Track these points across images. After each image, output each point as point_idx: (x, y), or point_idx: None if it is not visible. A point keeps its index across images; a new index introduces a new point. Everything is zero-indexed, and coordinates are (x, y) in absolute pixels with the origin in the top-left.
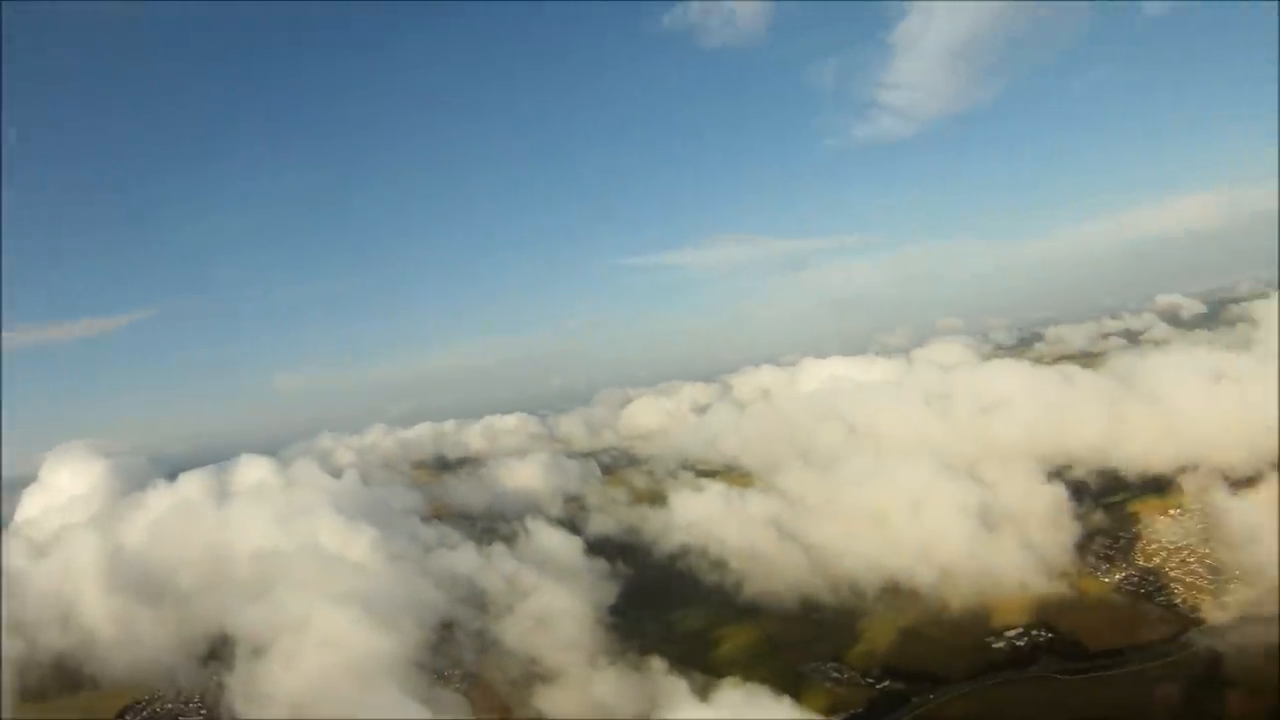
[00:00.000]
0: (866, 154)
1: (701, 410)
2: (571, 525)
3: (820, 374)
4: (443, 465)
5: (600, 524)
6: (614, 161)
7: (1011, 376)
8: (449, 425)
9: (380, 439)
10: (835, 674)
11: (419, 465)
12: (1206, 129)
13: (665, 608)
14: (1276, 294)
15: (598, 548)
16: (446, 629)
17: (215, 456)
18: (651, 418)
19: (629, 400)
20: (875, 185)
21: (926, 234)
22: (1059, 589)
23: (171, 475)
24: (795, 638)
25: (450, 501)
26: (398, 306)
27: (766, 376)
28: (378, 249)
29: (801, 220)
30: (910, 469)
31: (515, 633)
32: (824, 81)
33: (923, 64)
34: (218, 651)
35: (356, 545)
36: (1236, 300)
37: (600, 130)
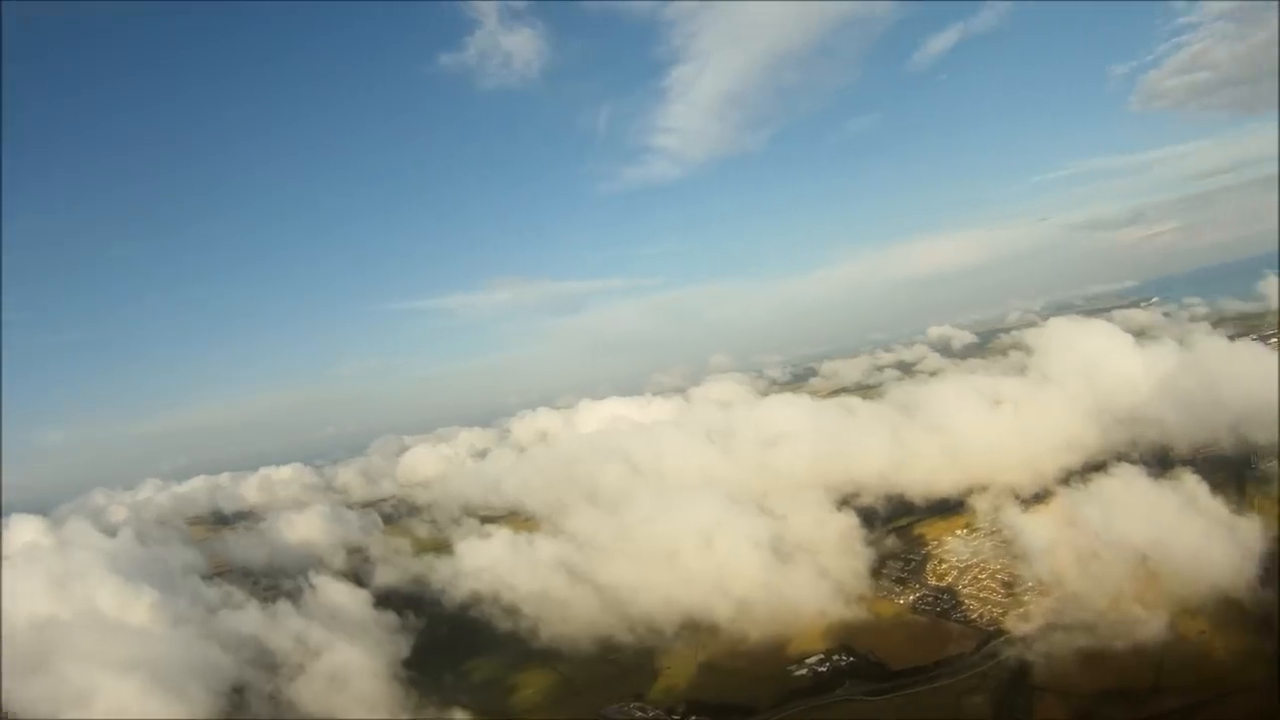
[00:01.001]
0: (639, 197)
1: (480, 455)
2: (356, 578)
3: (598, 415)
4: (220, 520)
5: (386, 575)
6: (387, 205)
7: (792, 410)
8: (224, 478)
9: (154, 495)
10: (639, 713)
11: (195, 521)
12: (967, 172)
13: (461, 658)
14: (1046, 322)
15: (386, 600)
16: (238, 693)
17: None
18: (430, 465)
19: (406, 448)
20: (647, 228)
21: (698, 275)
22: (856, 613)
23: None
24: (596, 679)
25: (230, 558)
26: (164, 356)
27: (544, 419)
28: (140, 296)
29: (575, 263)
30: (698, 505)
31: (310, 693)
32: (597, 125)
33: (695, 109)
34: None
35: (137, 609)
36: (1005, 330)
37: (372, 172)
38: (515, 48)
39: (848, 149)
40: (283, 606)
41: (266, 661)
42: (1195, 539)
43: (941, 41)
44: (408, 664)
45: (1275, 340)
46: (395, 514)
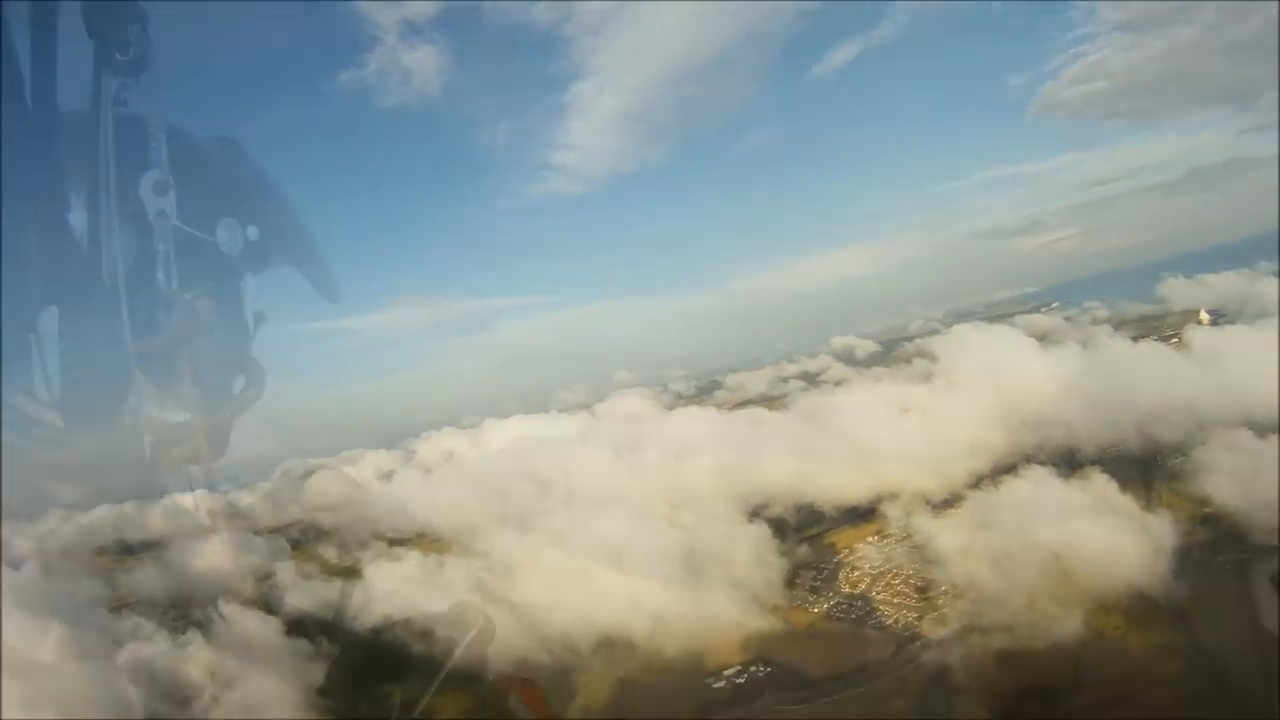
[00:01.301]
0: (540, 214)
1: (386, 477)
2: (266, 605)
3: (504, 434)
4: (125, 550)
5: (296, 602)
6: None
7: (699, 423)
8: (128, 507)
9: (58, 525)
10: None
11: (101, 552)
12: (869, 182)
13: (376, 683)
14: (949, 329)
15: (297, 627)
16: None
17: None
18: (336, 488)
19: (310, 471)
20: (548, 245)
21: (600, 291)
22: (772, 624)
23: None
24: (513, 700)
25: (137, 589)
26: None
27: (450, 439)
28: (26, 318)
29: (476, 281)
30: (609, 521)
31: None
32: (497, 142)
33: (595, 125)
34: None
35: (45, 645)
36: (909, 338)
37: None
38: (415, 64)
39: (750, 162)
40: (192, 637)
41: (178, 695)
42: (1107, 536)
43: (842, 54)
44: (322, 691)
45: (1176, 340)
46: (303, 539)
